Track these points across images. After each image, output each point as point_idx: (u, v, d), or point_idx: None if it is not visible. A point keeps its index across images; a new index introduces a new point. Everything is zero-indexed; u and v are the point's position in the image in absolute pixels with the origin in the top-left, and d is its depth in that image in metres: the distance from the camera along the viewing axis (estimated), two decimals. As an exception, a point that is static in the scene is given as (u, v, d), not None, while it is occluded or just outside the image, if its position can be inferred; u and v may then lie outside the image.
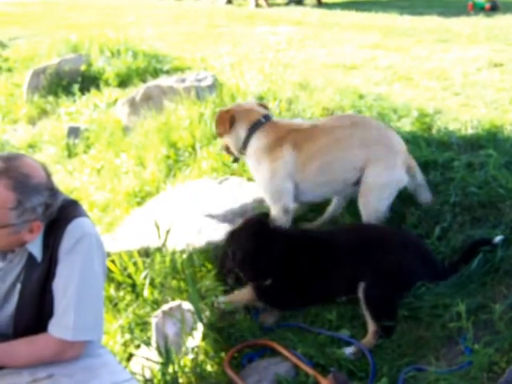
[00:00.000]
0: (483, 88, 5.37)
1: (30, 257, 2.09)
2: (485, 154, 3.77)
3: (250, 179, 4.08)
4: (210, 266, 3.35)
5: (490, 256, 2.93)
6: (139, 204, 4.59)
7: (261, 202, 3.73)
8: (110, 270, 3.42)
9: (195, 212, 3.77)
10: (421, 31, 8.83)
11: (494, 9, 13.23)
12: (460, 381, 2.36)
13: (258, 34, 9.11)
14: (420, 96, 5.18)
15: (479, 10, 12.92)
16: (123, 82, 7.10)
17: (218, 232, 3.51)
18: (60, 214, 2.11)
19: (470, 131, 4.23)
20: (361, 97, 5.13)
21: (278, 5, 14.05)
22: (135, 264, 3.51)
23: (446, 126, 4.36)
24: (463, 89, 5.34)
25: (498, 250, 2.93)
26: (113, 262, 3.51)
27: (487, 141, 4.01)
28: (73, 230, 2.09)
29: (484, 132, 4.20)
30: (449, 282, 2.90)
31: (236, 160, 3.75)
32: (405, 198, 3.49)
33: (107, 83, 7.18)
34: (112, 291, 3.49)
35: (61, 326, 2.03)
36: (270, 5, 14.19)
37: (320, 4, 14.96)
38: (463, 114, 4.52)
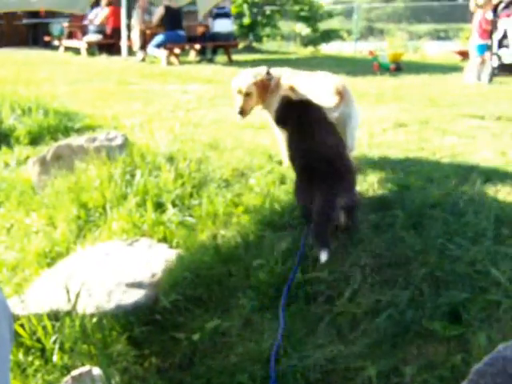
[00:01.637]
0: (389, 149, 5.57)
1: None
2: (392, 215, 3.91)
3: (159, 240, 4.11)
4: (120, 330, 3.33)
5: (399, 317, 2.99)
6: (49, 265, 4.50)
7: (169, 262, 3.77)
8: (18, 335, 3.34)
9: (105, 274, 3.75)
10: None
11: (398, 69, 13.91)
12: None
13: (169, 92, 9.21)
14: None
15: (384, 70, 13.55)
16: (34, 140, 7.01)
17: (128, 295, 3.50)
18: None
19: (377, 192, 4.38)
20: (270, 157, 5.25)
21: (190, 62, 14.27)
22: (44, 328, 3.43)
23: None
24: (370, 149, 5.53)
25: (408, 311, 3.01)
26: (22, 325, 3.42)
27: (394, 202, 4.15)
28: (-23, 296, 2.06)
29: (391, 193, 4.35)
30: (361, 344, 2.92)
31: None
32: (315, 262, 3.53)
33: (18, 141, 7.05)
34: (20, 356, 3.38)
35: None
36: (181, 62, 14.40)
37: (231, 62, 15.29)
38: (370, 175, 4.69)
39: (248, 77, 4.66)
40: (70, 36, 20.63)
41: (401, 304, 3.08)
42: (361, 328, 3.05)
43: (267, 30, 24.50)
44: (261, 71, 4.71)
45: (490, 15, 12.30)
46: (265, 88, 4.63)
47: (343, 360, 2.84)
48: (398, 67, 14.13)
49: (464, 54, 16.93)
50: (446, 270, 3.28)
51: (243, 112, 4.67)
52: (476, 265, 3.31)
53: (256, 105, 4.72)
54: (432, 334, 2.87)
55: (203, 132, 6.11)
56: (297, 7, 22.94)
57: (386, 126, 6.57)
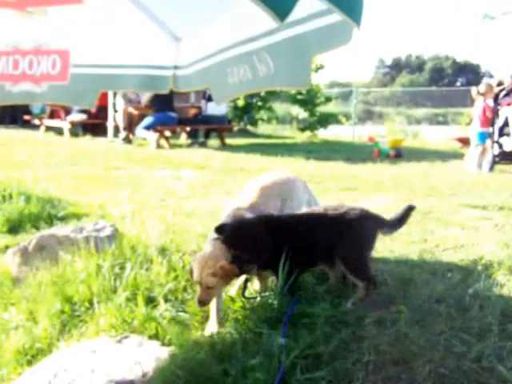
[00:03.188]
0: (392, 241, 5.65)
1: None
2: (396, 311, 3.97)
3: (151, 337, 4.11)
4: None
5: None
6: (30, 363, 4.47)
7: (161, 361, 3.77)
8: None
9: (92, 374, 3.74)
10: (327, 178, 9.28)
11: (398, 156, 14.27)
12: None
13: (159, 178, 9.33)
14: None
15: (384, 156, 13.86)
16: (14, 227, 7.02)
17: (117, 397, 3.50)
18: None
19: (380, 286, 4.43)
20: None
21: (180, 146, 14.44)
22: (25, 433, 3.41)
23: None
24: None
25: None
26: (-1, 431, 3.41)
27: (398, 297, 4.23)
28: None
29: (394, 287, 4.42)
30: None
31: None
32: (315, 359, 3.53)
33: (-3, 229, 7.10)
34: None
35: None
36: (171, 146, 14.52)
37: (224, 146, 15.46)
38: (374, 270, 4.73)
39: (206, 267, 4.03)
40: (52, 115, 20.69)
41: (405, 402, 3.11)
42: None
43: (262, 113, 24.88)
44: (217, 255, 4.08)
45: (491, 103, 12.68)
46: (227, 274, 4.06)
47: None
48: (398, 154, 14.47)
49: (463, 141, 17.33)
50: (450, 367, 3.31)
51: (204, 304, 4.12)
52: (482, 361, 3.36)
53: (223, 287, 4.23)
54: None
55: (197, 222, 6.18)
56: (293, 90, 23.39)
57: (388, 217, 6.67)
